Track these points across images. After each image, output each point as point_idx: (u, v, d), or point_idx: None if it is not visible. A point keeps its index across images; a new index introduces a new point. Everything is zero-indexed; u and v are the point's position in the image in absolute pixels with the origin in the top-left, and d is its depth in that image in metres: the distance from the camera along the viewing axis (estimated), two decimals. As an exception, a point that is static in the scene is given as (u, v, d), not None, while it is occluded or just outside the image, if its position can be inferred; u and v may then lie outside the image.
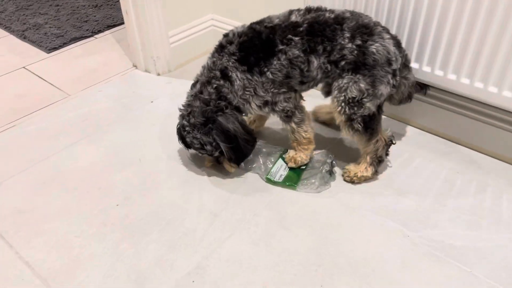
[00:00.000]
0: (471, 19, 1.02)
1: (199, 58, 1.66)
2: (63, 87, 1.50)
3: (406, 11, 1.12)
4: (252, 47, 1.01)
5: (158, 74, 1.57)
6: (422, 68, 1.15)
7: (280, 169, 1.14)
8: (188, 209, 1.05)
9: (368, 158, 1.10)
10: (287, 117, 1.09)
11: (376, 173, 1.12)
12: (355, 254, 0.94)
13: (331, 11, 1.03)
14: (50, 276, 0.90)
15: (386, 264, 0.92)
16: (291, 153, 1.15)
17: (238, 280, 0.90)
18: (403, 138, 1.26)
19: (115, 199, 1.08)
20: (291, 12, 1.04)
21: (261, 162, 1.16)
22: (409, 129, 1.30)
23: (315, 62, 1.01)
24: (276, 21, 1.03)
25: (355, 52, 0.99)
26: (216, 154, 1.08)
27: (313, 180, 1.11)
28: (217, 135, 1.04)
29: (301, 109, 1.10)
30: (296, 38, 1.00)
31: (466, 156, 1.20)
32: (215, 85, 1.04)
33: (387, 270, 0.91)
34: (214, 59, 1.06)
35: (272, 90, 1.04)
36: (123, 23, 1.87)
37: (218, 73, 1.03)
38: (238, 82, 1.02)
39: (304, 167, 1.15)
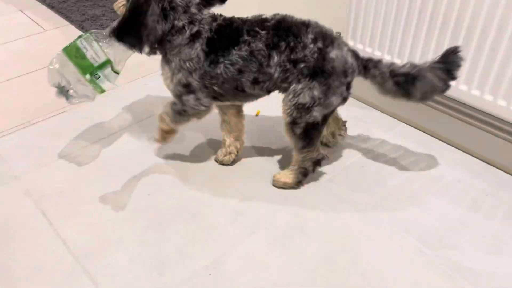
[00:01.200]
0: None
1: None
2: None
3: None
4: (223, 33, 1.02)
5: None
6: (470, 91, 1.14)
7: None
8: (213, 205, 1.11)
9: (296, 165, 1.12)
10: (175, 102, 1.08)
11: (299, 183, 1.15)
12: (369, 267, 0.96)
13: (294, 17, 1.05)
14: (82, 255, 0.98)
15: (399, 280, 0.93)
16: None
17: (251, 276, 0.94)
18: (436, 155, 1.25)
19: (148, 189, 1.15)
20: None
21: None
22: (443, 146, 1.28)
23: (275, 58, 1.01)
24: (250, 17, 1.05)
25: (316, 55, 1.00)
26: None
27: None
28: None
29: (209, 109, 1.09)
30: (262, 32, 1.00)
31: (499, 179, 1.17)
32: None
33: (398, 286, 0.92)
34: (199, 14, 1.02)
35: (208, 81, 1.03)
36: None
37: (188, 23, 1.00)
38: (193, 51, 1.01)
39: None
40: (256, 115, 1.42)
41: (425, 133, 1.32)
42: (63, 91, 1.10)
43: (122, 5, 1.05)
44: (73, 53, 1.08)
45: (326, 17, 1.12)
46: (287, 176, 1.14)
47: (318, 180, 1.18)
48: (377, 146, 1.29)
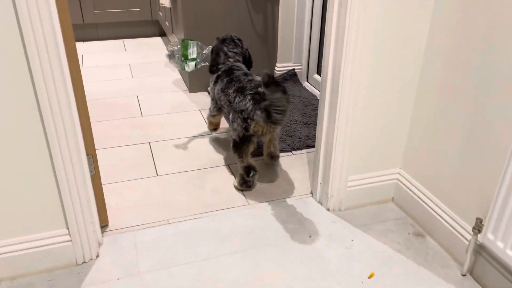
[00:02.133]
0: None
1: (373, 206, 1.69)
2: (247, 194, 1.75)
3: None
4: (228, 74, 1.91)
5: (328, 210, 1.66)
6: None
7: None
8: None
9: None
10: None
11: (241, 186, 1.77)
12: None
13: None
14: None
15: None
16: None
17: None
18: None
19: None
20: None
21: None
22: None
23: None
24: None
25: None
26: None
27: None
28: None
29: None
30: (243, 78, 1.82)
31: None
32: None
33: None
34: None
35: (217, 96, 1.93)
36: (321, 146, 2.07)
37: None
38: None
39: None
40: (369, 277, 1.36)
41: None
42: (171, 56, 2.11)
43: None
44: (185, 44, 2.06)
45: (466, 199, 1.04)
46: (236, 180, 1.80)
47: None
48: None
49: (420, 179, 1.59)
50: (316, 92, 2.66)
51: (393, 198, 1.72)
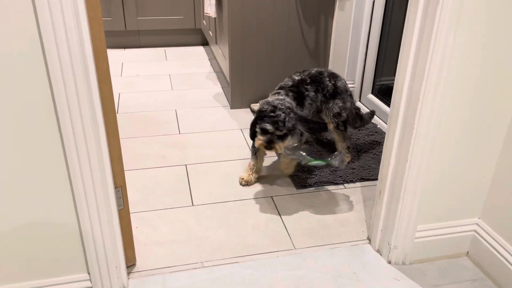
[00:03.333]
0: None
1: (444, 260, 1.42)
2: (293, 235, 1.52)
3: None
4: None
5: (389, 262, 1.40)
6: None
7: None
8: None
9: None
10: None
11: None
12: None
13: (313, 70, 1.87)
14: None
15: None
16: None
17: None
18: None
19: None
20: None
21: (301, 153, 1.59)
22: None
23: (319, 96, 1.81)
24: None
25: (332, 86, 1.82)
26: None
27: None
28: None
29: None
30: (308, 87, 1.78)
31: None
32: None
33: None
34: None
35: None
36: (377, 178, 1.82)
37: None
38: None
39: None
40: None
41: None
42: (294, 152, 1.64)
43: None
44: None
45: None
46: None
47: None
48: None
49: (503, 233, 1.31)
50: (370, 114, 2.40)
51: (468, 252, 1.44)
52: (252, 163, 1.80)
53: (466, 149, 1.28)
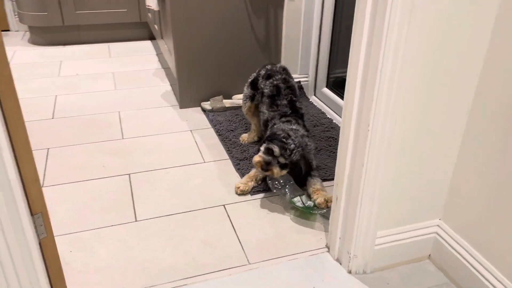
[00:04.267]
0: None
1: (407, 266, 1.34)
2: (248, 248, 1.40)
3: None
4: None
5: (350, 272, 1.31)
6: None
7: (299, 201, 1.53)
8: None
9: None
10: None
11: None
12: None
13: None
14: None
15: None
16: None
17: None
18: None
19: None
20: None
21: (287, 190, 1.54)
22: None
23: None
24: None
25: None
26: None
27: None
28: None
29: None
30: None
31: None
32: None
33: None
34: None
35: None
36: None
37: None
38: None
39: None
40: None
41: None
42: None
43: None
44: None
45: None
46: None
47: None
48: None
49: (464, 233, 1.25)
50: (326, 108, 2.31)
51: (430, 255, 1.38)
52: (254, 173, 1.69)
53: (424, 149, 1.20)
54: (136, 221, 1.51)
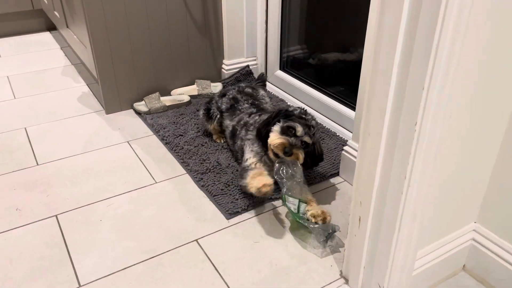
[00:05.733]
0: None
1: (441, 285, 1.09)
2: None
3: None
4: None
5: (382, 309, 1.02)
6: None
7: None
8: None
9: None
10: None
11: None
12: None
13: None
14: None
15: None
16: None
17: None
18: None
19: None
20: None
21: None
22: None
23: None
24: None
25: None
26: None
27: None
28: None
29: None
30: None
31: None
32: None
33: None
34: None
35: None
36: (319, 180, 1.42)
37: None
38: None
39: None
40: None
41: None
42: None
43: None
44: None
45: None
46: None
47: None
48: None
49: (504, 234, 1.03)
50: (283, 94, 1.98)
51: (464, 265, 1.14)
52: (258, 169, 1.31)
53: (470, 149, 0.94)
54: (79, 286, 1.07)
